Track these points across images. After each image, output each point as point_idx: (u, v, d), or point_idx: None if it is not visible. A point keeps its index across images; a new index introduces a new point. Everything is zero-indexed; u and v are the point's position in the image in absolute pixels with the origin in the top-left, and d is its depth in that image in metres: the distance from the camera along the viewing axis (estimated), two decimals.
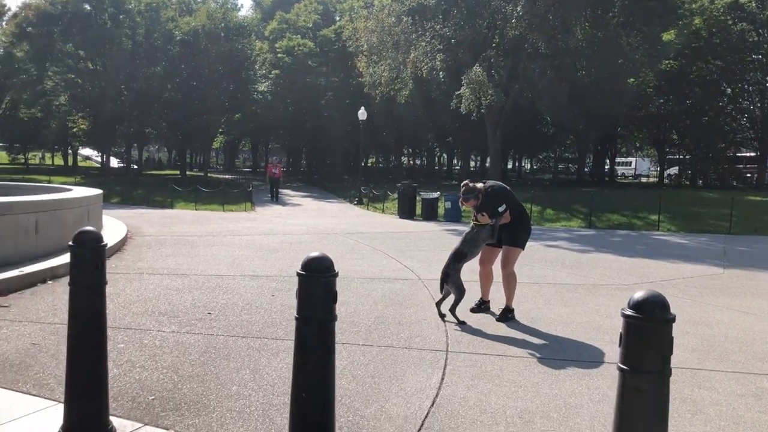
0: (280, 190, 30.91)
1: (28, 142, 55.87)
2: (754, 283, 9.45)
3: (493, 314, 6.72)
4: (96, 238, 3.25)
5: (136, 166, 54.64)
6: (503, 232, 6.59)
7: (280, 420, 3.72)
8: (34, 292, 7.14)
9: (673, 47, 35.46)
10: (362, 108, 28.56)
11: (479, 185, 6.61)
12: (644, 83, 36.45)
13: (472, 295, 6.74)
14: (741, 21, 34.74)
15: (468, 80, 27.56)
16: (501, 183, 6.87)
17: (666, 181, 46.32)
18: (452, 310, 6.31)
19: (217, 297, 7.18)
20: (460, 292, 6.33)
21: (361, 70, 34.61)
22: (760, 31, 35.27)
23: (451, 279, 6.37)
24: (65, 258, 7.98)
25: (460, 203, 6.75)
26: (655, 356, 2.20)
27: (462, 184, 6.68)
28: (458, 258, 6.47)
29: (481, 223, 6.47)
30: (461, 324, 6.21)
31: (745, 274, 10.35)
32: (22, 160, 56.10)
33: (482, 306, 6.88)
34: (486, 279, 6.89)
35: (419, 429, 3.73)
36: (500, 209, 6.46)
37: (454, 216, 20.47)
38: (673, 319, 2.21)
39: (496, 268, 6.82)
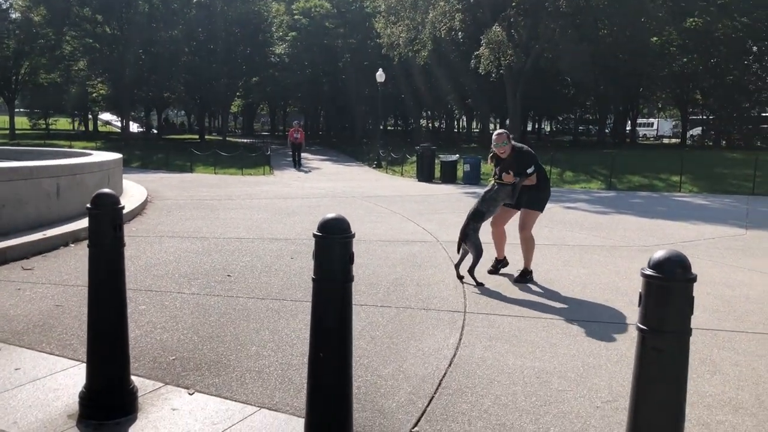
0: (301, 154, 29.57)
1: (49, 107, 56.14)
2: None
3: (510, 276, 6.70)
4: (113, 200, 3.26)
5: (155, 131, 54.86)
6: (523, 195, 6.54)
7: (299, 379, 3.76)
8: (57, 255, 7.24)
9: (697, 4, 34.55)
10: (380, 70, 28.25)
11: (504, 132, 6.65)
12: (667, 42, 35.68)
13: (489, 257, 6.72)
14: None
15: (487, 40, 27.17)
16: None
17: (688, 142, 45.56)
18: (471, 270, 6.30)
19: (237, 259, 7.24)
20: (479, 252, 6.31)
21: (379, 31, 34.21)
22: None
23: (470, 238, 6.34)
24: (86, 222, 8.07)
25: (491, 150, 6.59)
26: (676, 316, 2.17)
27: (497, 132, 6.62)
28: (476, 217, 6.42)
29: (503, 182, 6.39)
30: (479, 285, 6.20)
31: None
32: (43, 126, 56.46)
33: (499, 265, 6.88)
34: (499, 238, 6.85)
35: (437, 388, 3.76)
36: (528, 171, 6.41)
37: (473, 178, 20.36)
38: (694, 279, 2.17)
39: (509, 229, 6.79)
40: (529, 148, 6.68)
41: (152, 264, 6.89)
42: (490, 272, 6.76)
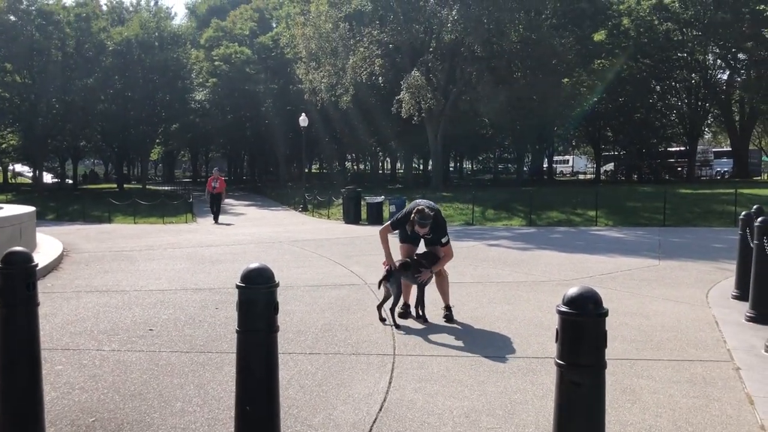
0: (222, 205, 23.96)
1: None
2: (687, 273, 9.81)
3: (419, 317, 6.65)
4: (26, 257, 3.15)
5: (71, 181, 53.02)
6: (427, 237, 6.62)
7: None
8: None
9: (604, 47, 36.64)
10: (303, 114, 28.40)
11: (426, 209, 6.37)
12: (578, 82, 37.49)
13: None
14: (666, 21, 36.09)
15: (407, 85, 27.83)
16: (431, 202, 6.74)
17: (602, 177, 47.65)
18: (392, 309, 6.38)
19: (159, 312, 7.04)
20: (399, 293, 6.39)
21: (300, 76, 34.49)
22: (684, 30, 36.70)
23: (393, 277, 6.39)
24: None
25: (415, 230, 6.42)
26: (590, 350, 2.27)
27: (417, 210, 6.32)
28: (405, 267, 6.49)
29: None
30: (397, 327, 6.24)
31: (679, 264, 10.72)
32: None
33: (408, 310, 6.81)
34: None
35: None
36: (443, 240, 6.52)
37: None
38: (605, 314, 2.28)
39: None
40: (437, 208, 6.66)
41: (69, 321, 6.61)
42: (401, 316, 6.66)
